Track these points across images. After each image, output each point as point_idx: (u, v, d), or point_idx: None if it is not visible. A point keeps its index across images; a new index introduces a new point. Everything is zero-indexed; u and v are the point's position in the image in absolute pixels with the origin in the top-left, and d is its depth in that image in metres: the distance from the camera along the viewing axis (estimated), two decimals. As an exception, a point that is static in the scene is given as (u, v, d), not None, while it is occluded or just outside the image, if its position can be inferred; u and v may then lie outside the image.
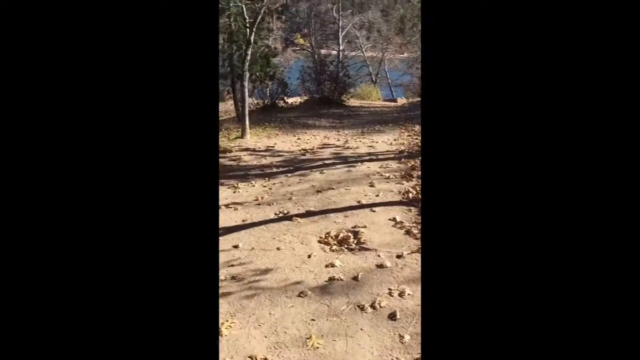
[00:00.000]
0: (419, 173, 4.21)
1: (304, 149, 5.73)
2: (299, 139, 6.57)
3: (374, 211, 3.24)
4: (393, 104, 14.09)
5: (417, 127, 7.19)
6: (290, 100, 12.15)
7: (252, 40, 6.55)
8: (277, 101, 10.79)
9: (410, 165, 4.57)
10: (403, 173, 4.26)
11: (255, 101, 10.62)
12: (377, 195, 3.62)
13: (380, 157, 5.09)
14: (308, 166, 4.76)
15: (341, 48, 19.19)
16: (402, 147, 5.56)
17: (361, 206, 3.37)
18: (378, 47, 20.41)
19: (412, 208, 3.27)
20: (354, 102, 12.30)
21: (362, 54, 20.45)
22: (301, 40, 19.78)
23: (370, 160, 4.93)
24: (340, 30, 19.18)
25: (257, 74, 8.17)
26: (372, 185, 3.90)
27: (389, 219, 3.07)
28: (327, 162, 4.92)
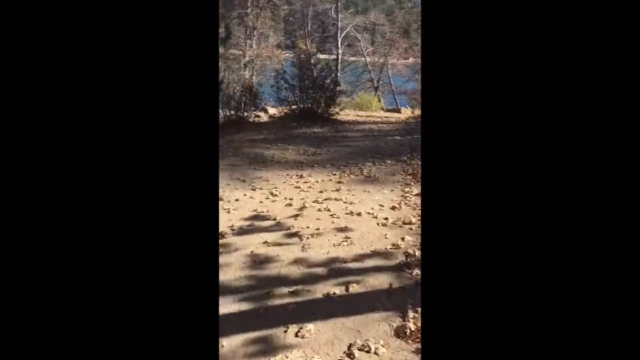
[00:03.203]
0: None
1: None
2: (221, 199, 3.36)
3: None
4: (396, 115, 10.81)
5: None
6: (273, 111, 9.06)
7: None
8: (245, 114, 7.67)
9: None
10: None
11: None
12: None
13: (353, 288, 1.90)
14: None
15: (340, 51, 15.92)
16: (406, 240, 2.38)
17: None
18: (380, 52, 17.04)
19: None
20: (347, 114, 9.07)
21: (363, 58, 17.12)
22: (302, 45, 16.46)
23: (328, 309, 1.75)
24: (339, 32, 15.89)
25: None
26: None
27: None
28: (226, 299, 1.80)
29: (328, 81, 7.84)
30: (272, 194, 3.41)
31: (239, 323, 1.66)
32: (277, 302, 1.80)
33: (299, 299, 1.82)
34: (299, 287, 1.91)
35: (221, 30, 6.94)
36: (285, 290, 1.89)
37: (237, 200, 3.27)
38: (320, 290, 1.89)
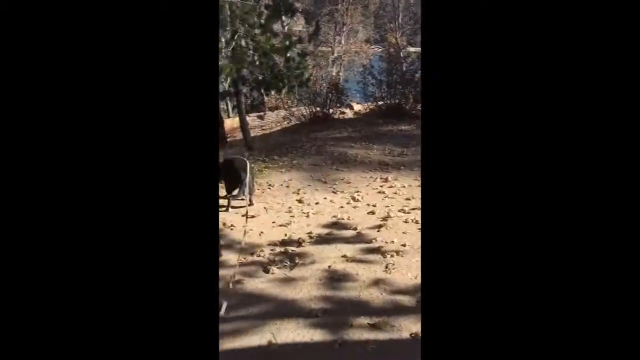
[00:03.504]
0: None
1: (285, 244, 2.45)
2: (300, 201, 3.24)
3: None
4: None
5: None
6: (358, 107, 8.82)
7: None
8: (330, 111, 7.53)
9: None
10: None
11: (303, 110, 7.50)
12: None
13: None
14: None
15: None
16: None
17: None
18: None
19: None
20: (437, 111, 8.39)
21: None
22: (391, 39, 15.81)
23: (416, 356, 1.46)
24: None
25: (261, 76, 4.74)
26: None
27: None
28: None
29: (418, 75, 7.26)
30: (353, 198, 3.14)
31: (310, 356, 1.44)
32: (355, 336, 1.53)
33: (380, 336, 1.53)
34: (381, 319, 1.62)
35: (311, 28, 6.88)
36: (364, 321, 1.62)
37: (317, 203, 3.09)
38: (406, 327, 1.57)
